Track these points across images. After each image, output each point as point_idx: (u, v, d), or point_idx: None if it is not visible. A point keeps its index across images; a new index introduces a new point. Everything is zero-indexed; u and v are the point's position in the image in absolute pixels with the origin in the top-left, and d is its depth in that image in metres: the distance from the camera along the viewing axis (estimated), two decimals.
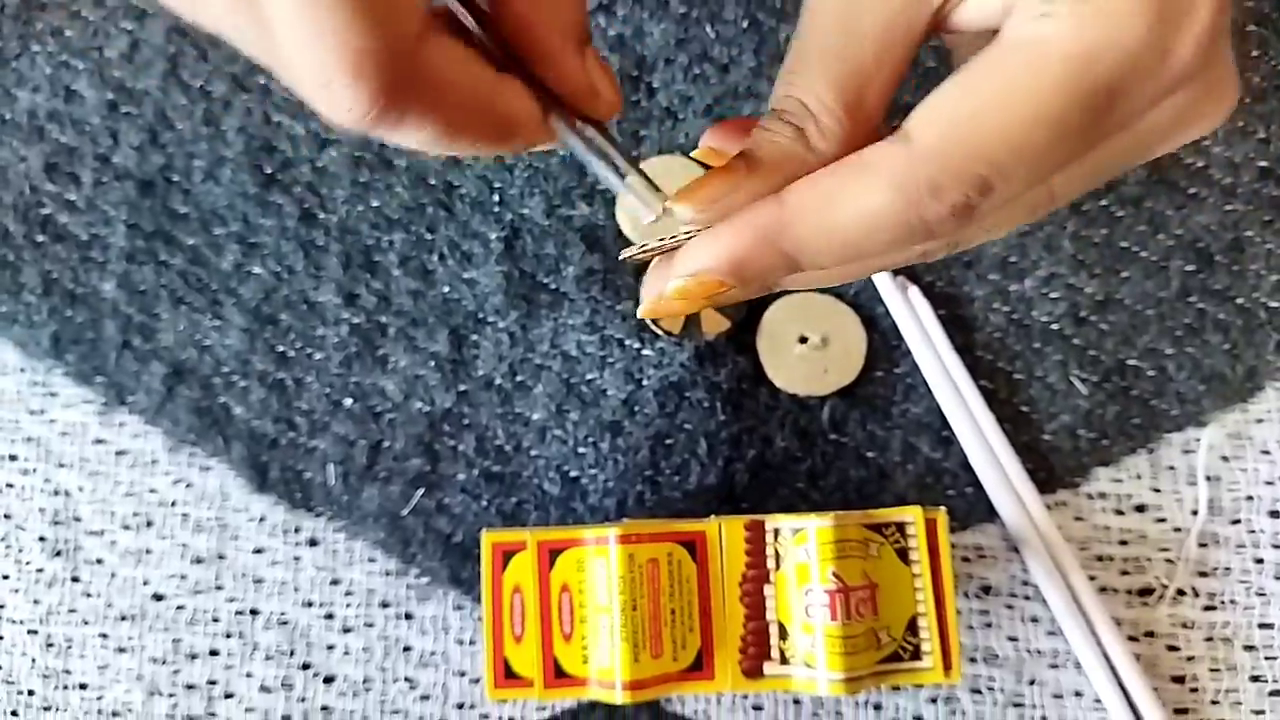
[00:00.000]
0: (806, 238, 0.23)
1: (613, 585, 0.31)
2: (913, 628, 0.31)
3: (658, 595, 0.31)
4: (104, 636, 0.37)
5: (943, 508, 0.31)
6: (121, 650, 0.37)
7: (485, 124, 0.23)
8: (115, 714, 0.36)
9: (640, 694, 0.30)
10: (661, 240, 0.25)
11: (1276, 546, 0.36)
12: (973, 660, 0.35)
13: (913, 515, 0.32)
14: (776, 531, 0.32)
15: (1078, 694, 0.35)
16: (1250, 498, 0.36)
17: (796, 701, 0.35)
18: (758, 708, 0.35)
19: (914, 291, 0.37)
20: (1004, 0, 0.22)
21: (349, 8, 0.19)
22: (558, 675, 0.32)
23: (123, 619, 0.37)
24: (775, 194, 0.23)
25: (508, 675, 0.32)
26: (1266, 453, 0.36)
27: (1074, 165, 0.23)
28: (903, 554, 0.32)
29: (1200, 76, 0.22)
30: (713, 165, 0.25)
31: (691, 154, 0.24)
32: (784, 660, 0.31)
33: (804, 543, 0.31)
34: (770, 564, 0.32)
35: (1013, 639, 0.35)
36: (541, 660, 0.32)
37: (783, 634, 0.31)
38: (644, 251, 0.26)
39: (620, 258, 0.27)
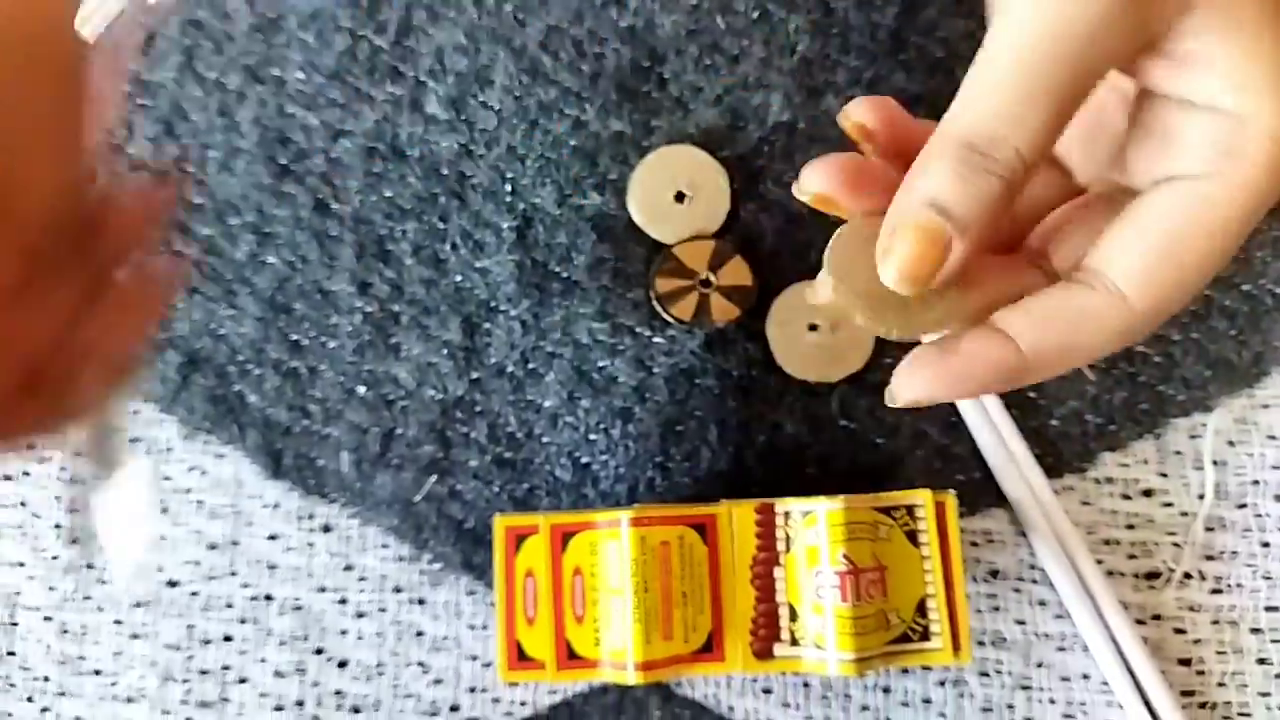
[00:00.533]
0: (1037, 378, 0.25)
1: (625, 567, 0.31)
2: (922, 609, 0.31)
3: (669, 578, 0.32)
4: (119, 623, 0.37)
5: (951, 491, 0.32)
6: (136, 636, 0.37)
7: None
8: (130, 699, 0.36)
9: (652, 674, 0.31)
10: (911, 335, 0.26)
11: None
12: (981, 644, 0.35)
13: (922, 498, 0.32)
14: (787, 514, 0.32)
15: (1085, 677, 0.35)
16: (1257, 482, 0.36)
17: (806, 684, 0.35)
18: (767, 691, 0.35)
19: None
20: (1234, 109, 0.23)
21: None
22: (570, 657, 0.32)
23: (137, 605, 0.37)
24: (1006, 337, 0.24)
25: (520, 658, 0.32)
26: (1273, 438, 0.37)
27: None
28: (912, 536, 0.32)
29: None
30: (823, 210, 0.26)
31: (802, 197, 0.25)
32: (794, 642, 0.31)
33: (814, 525, 0.31)
34: (780, 546, 0.32)
35: (1020, 622, 0.35)
36: (554, 642, 0.32)
37: (793, 616, 0.32)
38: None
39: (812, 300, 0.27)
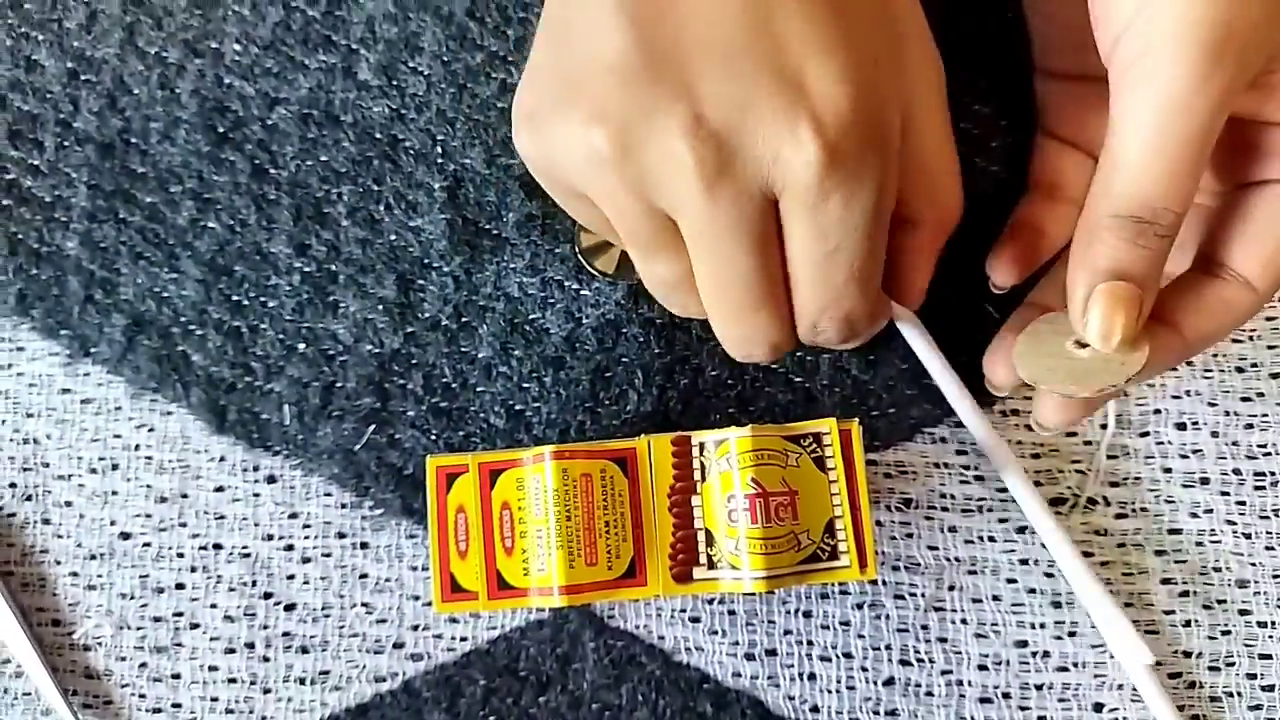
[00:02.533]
0: (1196, 351, 0.31)
1: (548, 498, 0.33)
2: (830, 530, 0.33)
3: (592, 508, 0.33)
4: (74, 575, 0.39)
5: (856, 420, 0.33)
6: (91, 588, 0.38)
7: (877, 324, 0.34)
8: (86, 648, 0.38)
9: (576, 597, 0.32)
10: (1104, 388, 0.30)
11: (1184, 456, 0.38)
12: (895, 569, 0.37)
13: (828, 426, 0.33)
14: (702, 446, 0.34)
15: (995, 598, 0.37)
16: (1158, 411, 0.38)
17: (731, 612, 0.37)
18: (695, 619, 0.37)
19: None
20: None
21: None
22: (501, 587, 0.34)
23: (92, 558, 0.39)
24: (1171, 327, 0.30)
25: (454, 589, 0.34)
26: (1173, 369, 0.38)
27: None
28: (820, 463, 0.34)
29: None
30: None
31: (1001, 292, 0.37)
32: (711, 565, 0.33)
33: (726, 454, 0.33)
34: (697, 476, 0.34)
35: (932, 548, 0.37)
36: (485, 573, 0.34)
37: (709, 540, 0.33)
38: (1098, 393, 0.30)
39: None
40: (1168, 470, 0.38)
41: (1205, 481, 0.37)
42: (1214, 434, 0.38)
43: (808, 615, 0.37)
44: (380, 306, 0.39)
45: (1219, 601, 0.37)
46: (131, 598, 0.38)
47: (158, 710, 0.37)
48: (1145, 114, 0.26)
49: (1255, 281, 0.29)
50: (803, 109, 0.26)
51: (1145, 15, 0.26)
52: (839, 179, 0.26)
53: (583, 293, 0.39)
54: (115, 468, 0.39)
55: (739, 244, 0.28)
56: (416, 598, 0.38)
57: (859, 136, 0.26)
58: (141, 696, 0.37)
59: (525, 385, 0.39)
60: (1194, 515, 0.37)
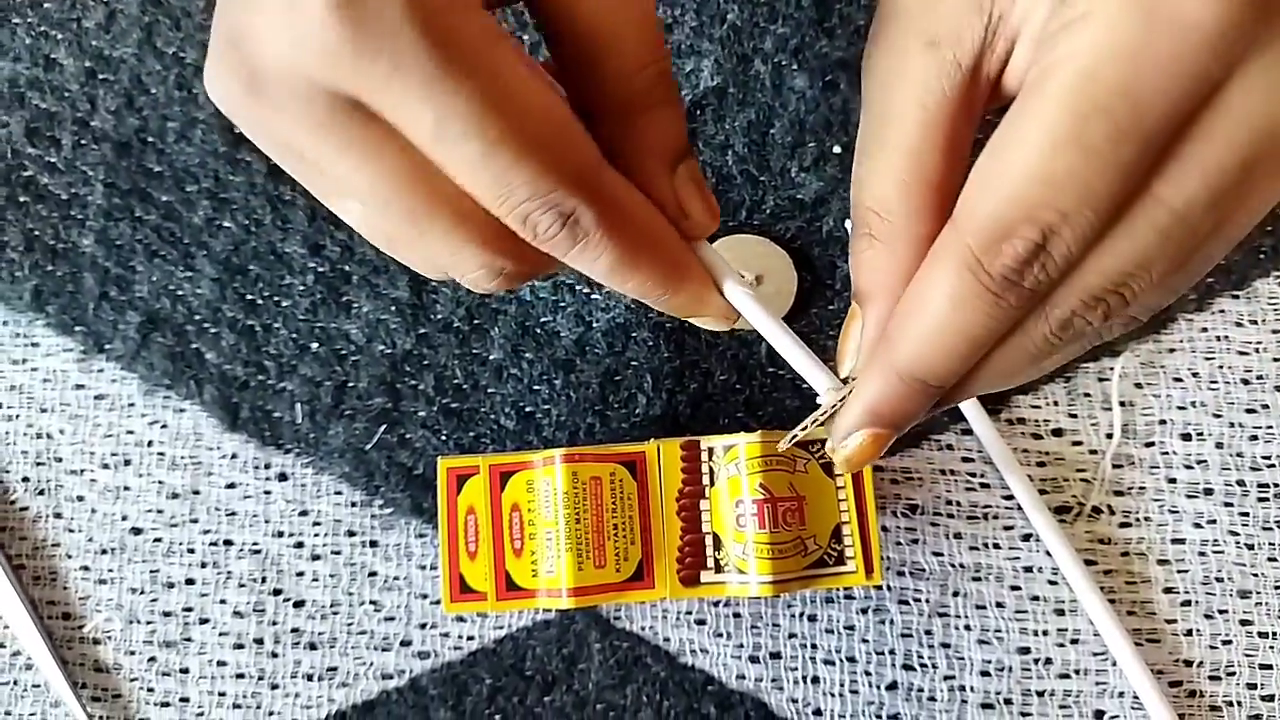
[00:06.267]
0: (911, 354, 0.23)
1: (558, 500, 0.33)
2: (837, 535, 0.33)
3: (601, 510, 0.34)
4: (85, 569, 0.39)
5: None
6: (102, 582, 0.39)
7: (656, 259, 0.25)
8: (96, 642, 0.38)
9: (584, 599, 0.33)
10: (813, 418, 0.27)
11: (1189, 467, 0.38)
12: (901, 574, 0.37)
13: None
14: (710, 450, 0.34)
15: (999, 605, 0.37)
16: (1164, 421, 0.38)
17: (736, 615, 0.37)
18: (701, 622, 0.37)
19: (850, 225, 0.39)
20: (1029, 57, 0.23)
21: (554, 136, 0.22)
22: (509, 588, 0.34)
23: (103, 552, 0.39)
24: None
25: (463, 589, 0.34)
26: (1179, 380, 0.39)
27: (1170, 179, 0.21)
28: (827, 469, 0.34)
29: (1267, 31, 0.20)
30: None
31: None
32: (719, 569, 0.34)
33: (735, 459, 0.33)
34: (705, 480, 0.34)
35: (937, 554, 0.37)
36: (494, 574, 0.34)
37: (717, 544, 0.34)
38: (804, 432, 0.28)
39: (780, 448, 0.30)
40: (1172, 480, 0.38)
41: (1209, 492, 0.38)
42: (1219, 445, 0.38)
43: (812, 619, 0.37)
44: (393, 307, 0.40)
45: (1220, 611, 0.37)
46: (142, 592, 0.39)
47: (166, 704, 0.38)
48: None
49: (957, 209, 0.23)
50: None
51: None
52: None
53: (593, 297, 0.39)
54: (127, 463, 0.39)
55: None
56: (425, 596, 0.38)
57: None
58: (150, 690, 0.38)
59: (535, 387, 0.39)
60: (1197, 525, 0.38)
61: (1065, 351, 0.25)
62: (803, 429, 0.28)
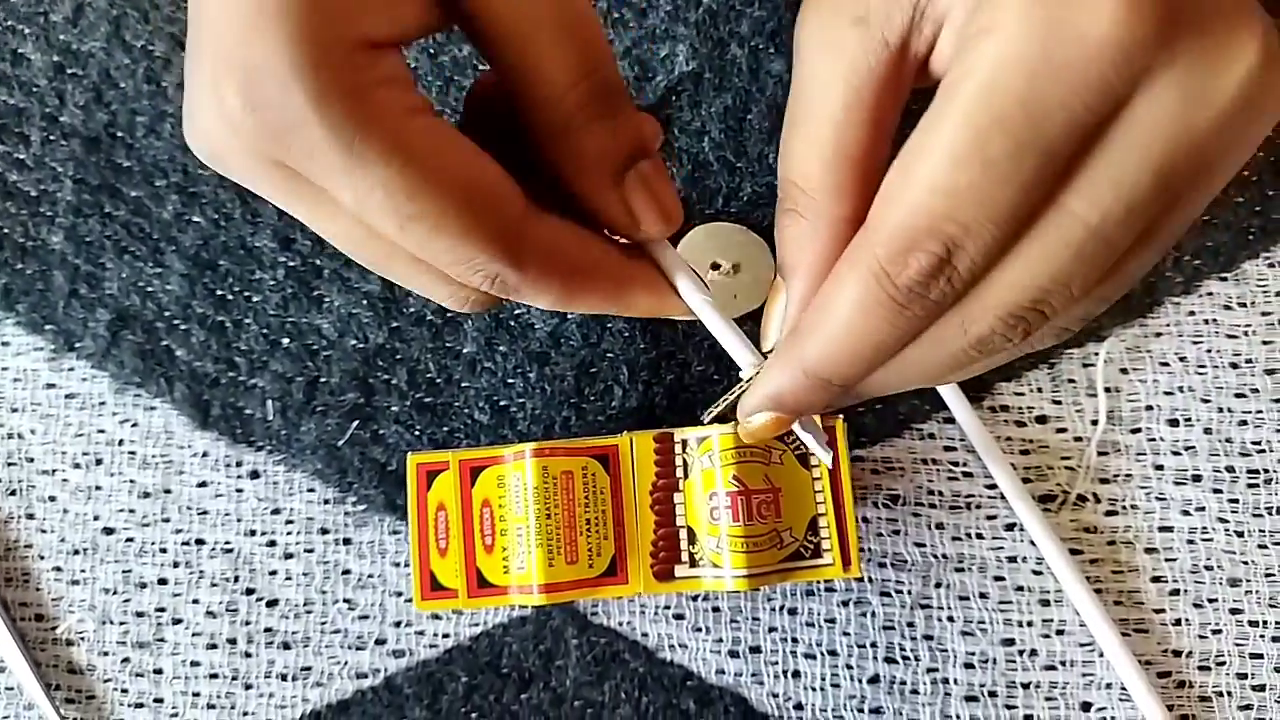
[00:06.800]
0: (817, 353, 0.24)
1: (528, 496, 0.33)
2: (814, 528, 0.33)
3: (573, 505, 0.33)
4: (58, 570, 0.38)
5: (841, 416, 0.33)
6: (75, 582, 0.38)
7: (597, 288, 0.26)
8: (69, 643, 0.38)
9: (556, 596, 0.32)
10: (731, 391, 0.28)
11: (1176, 453, 0.37)
12: (882, 565, 0.37)
13: None
14: (684, 443, 0.34)
15: (983, 596, 0.36)
16: (1150, 407, 0.38)
17: (716, 609, 0.37)
18: (680, 616, 0.37)
19: None
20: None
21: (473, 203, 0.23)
22: (481, 585, 0.33)
23: (75, 553, 0.39)
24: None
25: (434, 587, 0.34)
26: (1165, 364, 0.38)
27: (1079, 192, 0.21)
28: (803, 460, 0.33)
29: (1174, 44, 0.20)
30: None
31: None
32: (693, 563, 0.33)
33: (709, 451, 0.33)
34: (679, 473, 0.33)
35: (920, 545, 0.37)
36: (465, 571, 0.33)
37: (691, 538, 0.33)
38: (719, 407, 0.29)
39: (704, 419, 0.30)
40: (1159, 467, 0.37)
41: (1197, 479, 0.37)
42: (1207, 430, 0.37)
43: (793, 612, 0.37)
44: (365, 301, 0.39)
45: (1210, 600, 0.36)
46: (114, 593, 0.38)
47: (140, 705, 0.37)
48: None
49: (869, 216, 0.23)
50: None
51: None
52: None
53: None
54: (99, 463, 0.39)
55: None
56: (399, 594, 0.38)
57: None
58: (124, 691, 0.37)
59: (510, 381, 0.38)
60: (1185, 513, 0.37)
61: (994, 359, 0.25)
62: (724, 400, 0.28)
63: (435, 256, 0.24)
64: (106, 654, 0.38)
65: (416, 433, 0.38)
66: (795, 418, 0.26)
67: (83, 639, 0.38)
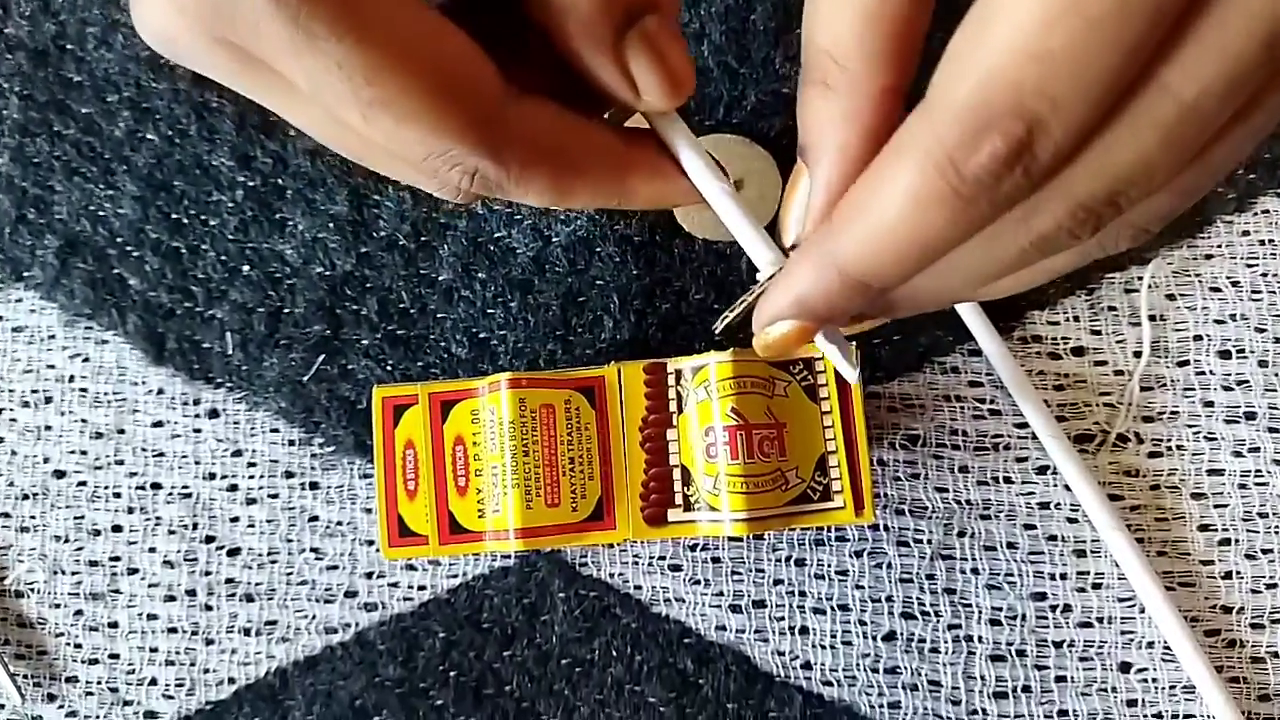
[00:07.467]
0: (856, 250, 0.20)
1: (503, 431, 0.29)
2: (822, 467, 0.29)
3: (554, 442, 0.30)
4: (5, 516, 0.36)
5: (853, 342, 0.30)
6: (24, 530, 0.36)
7: (590, 176, 0.23)
8: (19, 594, 0.35)
9: (534, 542, 0.29)
10: (747, 294, 0.23)
11: (1228, 388, 0.34)
12: (899, 512, 0.33)
13: (821, 352, 0.30)
14: (679, 374, 0.30)
15: (1010, 546, 0.33)
16: (1199, 337, 0.34)
17: (716, 559, 0.34)
18: (676, 568, 0.34)
19: None
20: None
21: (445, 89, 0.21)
22: (453, 530, 0.30)
23: (25, 498, 0.36)
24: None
25: (402, 533, 0.30)
26: (1216, 289, 0.34)
27: (1180, 64, 0.17)
28: (811, 392, 0.30)
29: None
30: None
31: None
32: (688, 506, 0.30)
33: (705, 381, 0.29)
34: (673, 407, 0.30)
35: (941, 490, 0.33)
36: (435, 515, 0.30)
37: (686, 479, 0.30)
38: (734, 313, 0.25)
39: (715, 330, 0.26)
40: (1209, 404, 0.34)
41: (1251, 416, 0.33)
42: (1262, 363, 0.33)
43: (800, 563, 0.33)
44: (331, 224, 0.36)
45: (1264, 551, 0.33)
46: (66, 540, 0.35)
47: (94, 661, 0.35)
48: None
49: (931, 94, 0.19)
50: None
51: None
52: None
53: (552, 208, 0.35)
54: (49, 401, 0.36)
55: None
56: (370, 543, 0.35)
57: None
58: (77, 646, 0.35)
59: (490, 310, 0.35)
60: (1238, 454, 0.33)
61: (1054, 264, 0.21)
62: (740, 305, 0.24)
63: (405, 150, 0.21)
64: (58, 606, 0.35)
65: (388, 367, 0.35)
66: (820, 326, 0.22)
67: (33, 590, 0.35)
